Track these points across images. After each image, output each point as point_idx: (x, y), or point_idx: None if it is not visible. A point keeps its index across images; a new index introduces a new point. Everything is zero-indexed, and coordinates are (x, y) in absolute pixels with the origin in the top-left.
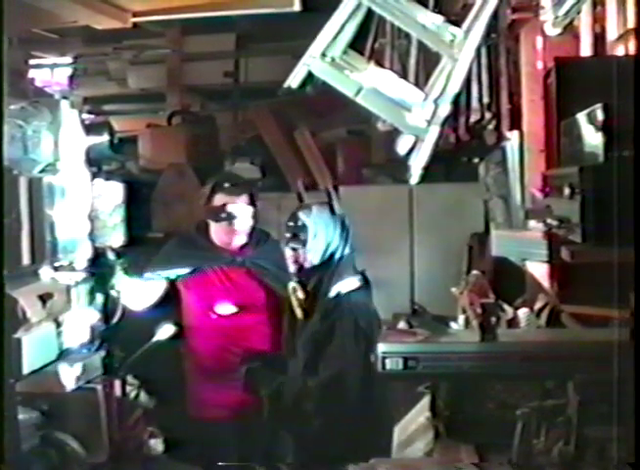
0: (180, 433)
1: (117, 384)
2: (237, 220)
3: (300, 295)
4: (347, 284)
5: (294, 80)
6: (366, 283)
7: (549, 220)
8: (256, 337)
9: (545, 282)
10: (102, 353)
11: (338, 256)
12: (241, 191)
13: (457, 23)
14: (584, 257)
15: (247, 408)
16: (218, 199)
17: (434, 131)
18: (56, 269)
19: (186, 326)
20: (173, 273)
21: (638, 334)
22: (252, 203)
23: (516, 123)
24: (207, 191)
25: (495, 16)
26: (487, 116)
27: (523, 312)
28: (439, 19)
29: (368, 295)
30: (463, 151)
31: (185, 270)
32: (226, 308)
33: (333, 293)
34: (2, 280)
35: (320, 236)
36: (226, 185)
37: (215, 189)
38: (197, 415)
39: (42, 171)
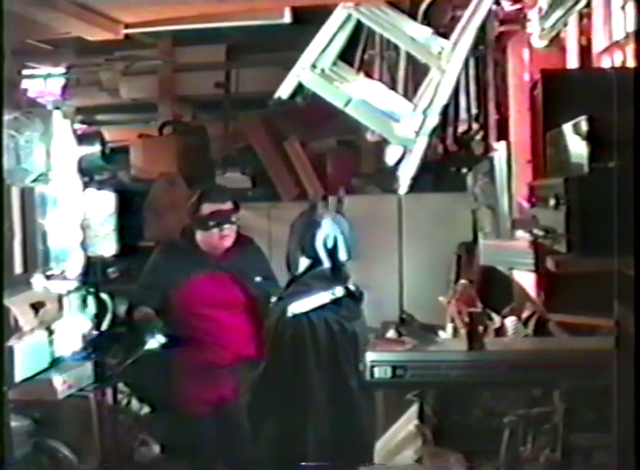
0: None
1: (109, 392)
2: (225, 226)
3: None
4: None
5: (284, 91)
6: None
7: (535, 230)
8: (238, 337)
9: (532, 291)
10: (93, 362)
11: None
12: (226, 198)
13: (445, 36)
14: (569, 266)
15: (228, 404)
16: (206, 208)
17: (422, 142)
18: (48, 278)
19: (175, 328)
20: (163, 284)
21: (638, 341)
22: (237, 207)
23: (503, 134)
24: (194, 201)
25: (483, 28)
26: (475, 126)
27: (510, 321)
28: (428, 31)
29: None
30: (451, 161)
31: (173, 279)
32: (210, 311)
33: None
34: (2, 285)
35: None
36: (212, 194)
37: (202, 199)
38: (181, 411)
39: (34, 181)
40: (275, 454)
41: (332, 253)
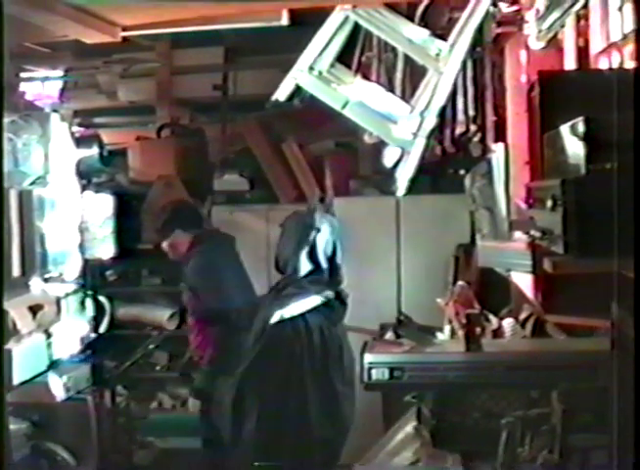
0: None
1: (107, 394)
2: None
3: None
4: None
5: (282, 93)
6: None
7: (533, 232)
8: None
9: (530, 293)
10: (91, 364)
11: None
12: None
13: (443, 37)
14: (566, 268)
15: None
16: None
17: (419, 143)
18: (46, 281)
19: None
20: None
21: (637, 342)
22: None
23: (501, 136)
24: None
25: (480, 30)
26: (473, 128)
27: (508, 323)
28: (425, 33)
29: None
30: (449, 163)
31: None
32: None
33: None
34: (2, 287)
35: None
36: None
37: None
38: None
39: (32, 184)
40: (256, 453)
41: (330, 257)
